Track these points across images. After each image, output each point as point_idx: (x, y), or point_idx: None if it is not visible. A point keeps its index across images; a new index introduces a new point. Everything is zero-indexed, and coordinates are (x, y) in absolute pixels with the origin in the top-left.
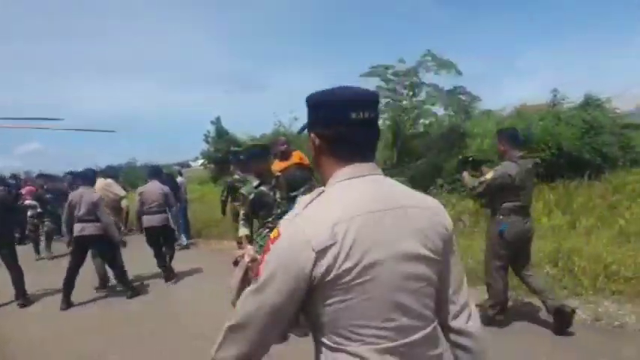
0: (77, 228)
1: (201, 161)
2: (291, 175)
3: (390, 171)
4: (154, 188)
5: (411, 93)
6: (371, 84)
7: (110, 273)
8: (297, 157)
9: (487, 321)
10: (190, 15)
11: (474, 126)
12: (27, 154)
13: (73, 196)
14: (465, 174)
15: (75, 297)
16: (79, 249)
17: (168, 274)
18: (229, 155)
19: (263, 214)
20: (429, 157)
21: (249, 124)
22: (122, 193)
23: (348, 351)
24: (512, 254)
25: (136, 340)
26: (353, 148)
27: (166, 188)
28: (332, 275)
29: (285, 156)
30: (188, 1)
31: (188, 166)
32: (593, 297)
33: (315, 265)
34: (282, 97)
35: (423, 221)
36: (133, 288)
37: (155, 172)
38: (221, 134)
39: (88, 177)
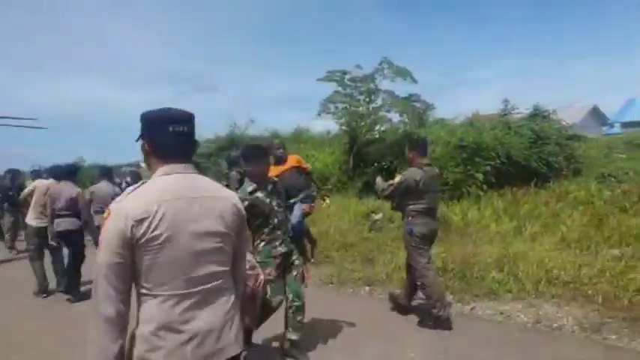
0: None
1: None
2: (289, 180)
3: (345, 176)
4: (105, 188)
5: (367, 99)
6: (328, 89)
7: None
8: (294, 160)
9: (435, 324)
10: (138, 12)
11: (427, 134)
12: None
13: (52, 190)
14: (378, 178)
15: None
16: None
17: None
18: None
19: (258, 223)
20: (382, 163)
21: (203, 126)
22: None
23: (155, 294)
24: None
25: None
26: (170, 153)
27: (117, 189)
28: (145, 239)
29: (281, 161)
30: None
31: (138, 166)
32: (535, 300)
33: (132, 230)
34: (234, 98)
35: (220, 206)
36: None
37: (105, 172)
38: None
39: (69, 172)
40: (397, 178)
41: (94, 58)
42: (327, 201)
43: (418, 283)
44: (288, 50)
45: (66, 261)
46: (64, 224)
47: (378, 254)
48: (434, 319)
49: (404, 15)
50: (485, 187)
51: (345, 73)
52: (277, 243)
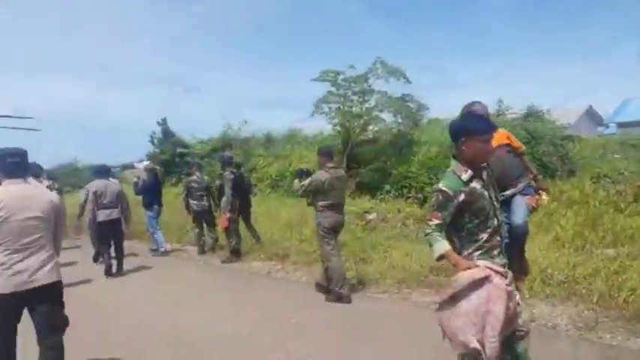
0: (105, 213)
1: (146, 163)
2: (501, 165)
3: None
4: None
5: (361, 99)
6: (321, 89)
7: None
8: (503, 136)
9: (337, 299)
10: (126, 13)
11: (422, 134)
12: None
13: (97, 186)
14: (296, 181)
15: None
16: (106, 230)
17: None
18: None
19: (472, 226)
20: (377, 164)
21: (196, 127)
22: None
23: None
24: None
25: None
26: (11, 172)
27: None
28: None
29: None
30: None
31: (132, 167)
32: (530, 300)
33: None
34: (225, 99)
35: (41, 201)
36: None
37: (103, 171)
38: (167, 136)
39: (103, 171)
40: (307, 181)
41: (81, 60)
42: (545, 196)
43: (324, 267)
44: (279, 50)
45: None
46: (115, 214)
47: (371, 253)
48: (336, 295)
49: (396, 14)
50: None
51: (338, 73)
52: (496, 252)
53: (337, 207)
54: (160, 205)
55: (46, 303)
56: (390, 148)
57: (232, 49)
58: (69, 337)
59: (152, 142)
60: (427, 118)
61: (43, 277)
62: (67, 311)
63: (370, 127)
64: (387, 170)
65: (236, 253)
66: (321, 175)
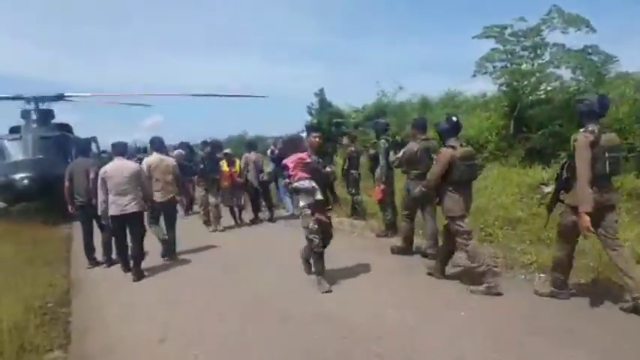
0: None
1: (304, 133)
2: None
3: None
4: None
5: (532, 55)
6: (485, 46)
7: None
8: None
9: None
10: None
11: (608, 91)
12: (151, 126)
13: (248, 157)
14: (391, 153)
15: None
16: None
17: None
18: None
19: None
20: (551, 128)
21: (351, 96)
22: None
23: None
24: (417, 206)
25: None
26: (116, 154)
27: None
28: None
29: None
30: None
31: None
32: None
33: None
34: (378, 67)
35: (128, 168)
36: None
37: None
38: (324, 106)
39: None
40: (400, 153)
41: (240, 36)
42: None
43: (398, 226)
44: (431, 11)
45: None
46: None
47: (553, 233)
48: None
49: None
50: None
51: (505, 27)
52: None
53: (424, 177)
54: None
55: (133, 222)
56: (567, 109)
57: (383, 12)
58: None
59: (310, 112)
60: (614, 72)
61: (130, 208)
62: None
63: (543, 86)
64: (564, 135)
65: (392, 227)
66: (413, 146)
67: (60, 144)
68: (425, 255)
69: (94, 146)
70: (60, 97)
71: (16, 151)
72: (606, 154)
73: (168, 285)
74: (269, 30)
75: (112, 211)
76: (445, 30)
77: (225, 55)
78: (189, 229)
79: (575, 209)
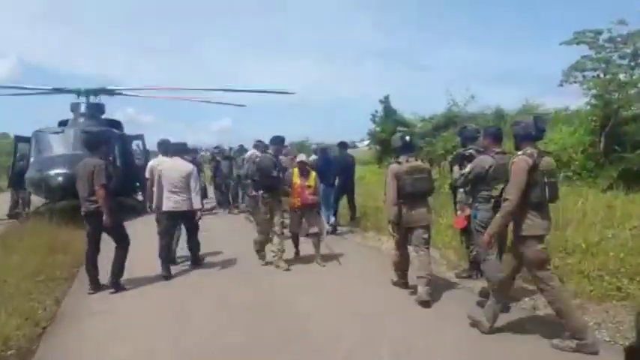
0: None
1: (367, 142)
2: None
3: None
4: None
5: (632, 64)
6: (575, 53)
7: None
8: None
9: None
10: None
11: None
12: (220, 130)
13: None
14: (455, 168)
15: None
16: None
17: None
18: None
19: None
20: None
21: (419, 104)
22: None
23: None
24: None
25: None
26: (166, 152)
27: None
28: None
29: None
30: None
31: (355, 146)
32: None
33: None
34: (450, 76)
35: (180, 168)
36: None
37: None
38: (389, 114)
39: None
40: (467, 167)
41: (304, 38)
42: None
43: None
44: (509, 20)
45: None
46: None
47: None
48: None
49: None
50: None
51: (599, 32)
52: None
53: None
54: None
55: (186, 219)
56: None
57: (458, 19)
58: None
59: (373, 120)
60: None
61: (184, 206)
62: None
63: None
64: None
65: (477, 265)
66: (483, 161)
67: (102, 140)
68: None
69: (140, 144)
70: (108, 92)
71: (56, 146)
72: (545, 179)
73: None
74: (334, 33)
75: (166, 206)
76: (524, 39)
77: (286, 57)
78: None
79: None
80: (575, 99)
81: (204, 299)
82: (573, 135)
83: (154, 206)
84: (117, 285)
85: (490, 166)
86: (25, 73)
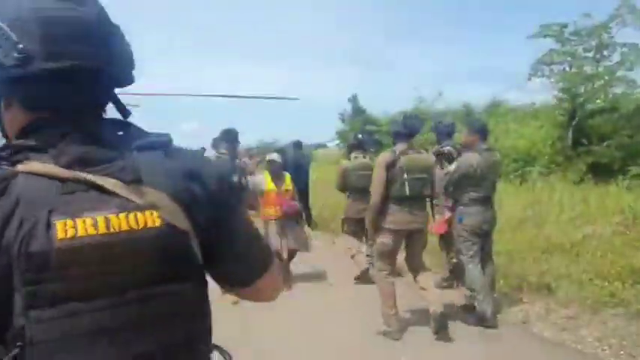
0: None
1: (336, 142)
2: None
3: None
4: None
5: (597, 56)
6: (541, 46)
7: None
8: None
9: (481, 320)
10: None
11: None
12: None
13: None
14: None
15: None
16: None
17: None
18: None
19: None
20: (617, 139)
21: (387, 103)
22: None
23: None
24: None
25: None
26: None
27: None
28: None
29: None
30: None
31: (325, 147)
32: None
33: None
34: (417, 75)
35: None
36: None
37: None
38: (357, 113)
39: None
40: (452, 165)
41: (273, 44)
42: None
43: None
44: (474, 16)
45: None
46: None
47: None
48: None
49: None
50: None
51: (565, 25)
52: None
53: (487, 201)
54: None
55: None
56: (636, 118)
57: (423, 17)
58: None
59: (342, 119)
60: None
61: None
62: None
63: (612, 92)
64: (633, 148)
65: (459, 273)
66: (470, 159)
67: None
68: (470, 309)
69: None
70: None
71: None
72: (405, 176)
73: None
74: (303, 34)
75: None
76: (489, 36)
77: (263, 61)
78: None
79: None
80: (541, 94)
81: None
82: (541, 129)
83: None
84: None
85: (478, 165)
86: None
